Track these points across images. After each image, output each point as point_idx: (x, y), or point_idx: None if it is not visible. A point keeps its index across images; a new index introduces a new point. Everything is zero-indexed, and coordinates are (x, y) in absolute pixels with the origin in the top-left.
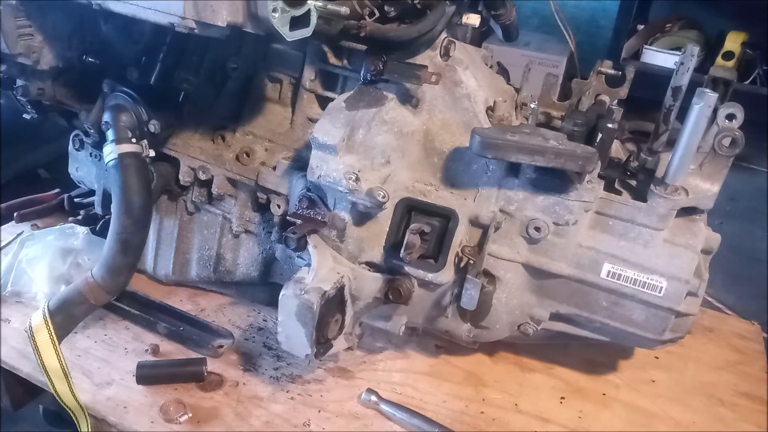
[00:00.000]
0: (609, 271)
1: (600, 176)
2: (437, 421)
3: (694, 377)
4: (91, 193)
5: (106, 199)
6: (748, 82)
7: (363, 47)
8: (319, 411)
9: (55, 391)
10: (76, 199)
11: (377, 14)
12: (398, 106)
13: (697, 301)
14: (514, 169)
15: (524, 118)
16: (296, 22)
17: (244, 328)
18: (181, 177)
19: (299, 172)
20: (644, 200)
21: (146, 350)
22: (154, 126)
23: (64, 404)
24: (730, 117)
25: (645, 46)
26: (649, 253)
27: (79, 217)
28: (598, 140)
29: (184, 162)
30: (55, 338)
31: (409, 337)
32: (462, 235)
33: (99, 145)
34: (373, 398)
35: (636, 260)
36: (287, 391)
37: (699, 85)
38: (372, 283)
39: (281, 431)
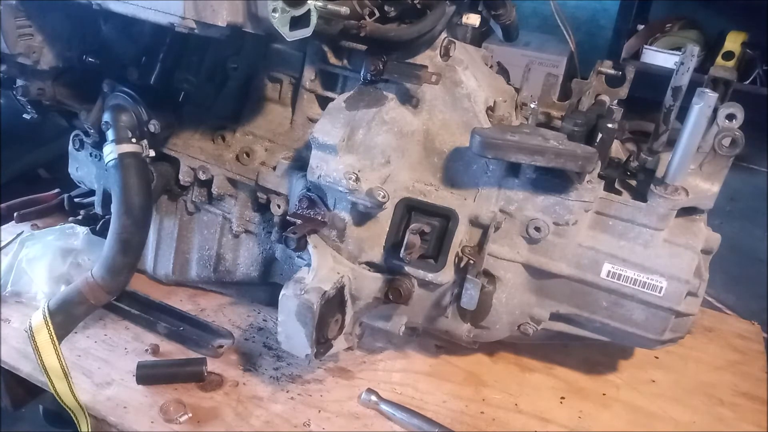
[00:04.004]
0: (609, 271)
1: (600, 176)
2: (437, 421)
3: (694, 377)
4: (91, 193)
5: (106, 199)
6: (748, 82)
7: (363, 47)
8: (319, 411)
9: (55, 391)
10: (76, 199)
11: (377, 14)
12: (398, 106)
13: (697, 301)
14: (514, 169)
15: (524, 118)
16: (296, 22)
17: (244, 328)
18: (181, 177)
19: (299, 172)
20: (644, 200)
21: (146, 350)
22: (154, 126)
23: (64, 404)
24: (730, 117)
25: (645, 46)
26: (649, 253)
27: (79, 217)
28: (598, 140)
29: (184, 162)
30: (55, 338)
31: (409, 337)
32: (462, 235)
33: (99, 145)
34: (373, 398)
35: (636, 260)
36: (287, 391)
37: (699, 85)
38: (372, 283)
39: (281, 431)
